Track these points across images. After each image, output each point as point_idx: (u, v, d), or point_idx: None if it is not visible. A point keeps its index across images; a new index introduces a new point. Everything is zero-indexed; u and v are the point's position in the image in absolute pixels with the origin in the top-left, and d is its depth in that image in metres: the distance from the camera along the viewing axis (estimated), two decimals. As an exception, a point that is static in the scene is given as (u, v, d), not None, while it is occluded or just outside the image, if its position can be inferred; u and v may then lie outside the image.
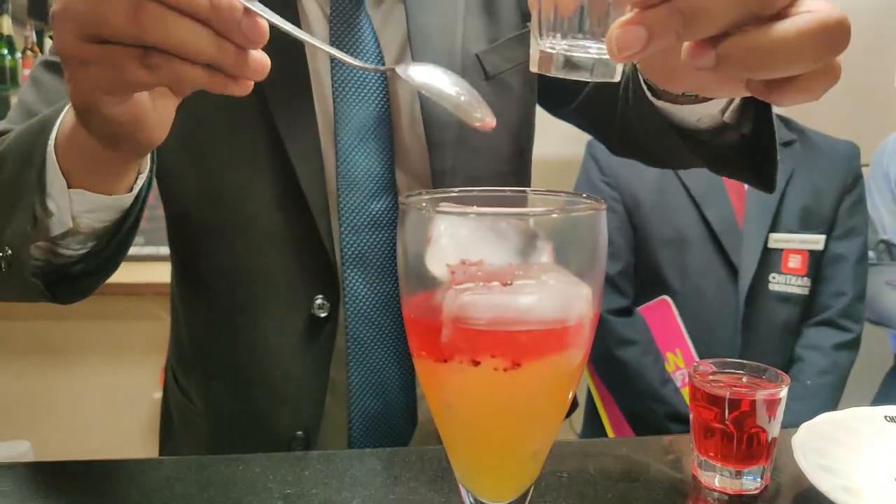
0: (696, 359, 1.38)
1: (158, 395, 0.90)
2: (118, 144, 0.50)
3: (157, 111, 0.47)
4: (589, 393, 1.55)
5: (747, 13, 0.33)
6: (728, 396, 0.52)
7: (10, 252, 0.55)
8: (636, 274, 1.47)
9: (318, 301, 0.72)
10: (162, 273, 0.82)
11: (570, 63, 0.39)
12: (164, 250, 0.82)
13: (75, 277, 0.62)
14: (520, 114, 0.79)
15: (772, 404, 0.52)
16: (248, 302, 0.73)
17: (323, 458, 0.58)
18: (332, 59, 0.71)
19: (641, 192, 1.46)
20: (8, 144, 0.58)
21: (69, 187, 0.53)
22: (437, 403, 0.39)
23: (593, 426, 1.53)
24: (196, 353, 0.79)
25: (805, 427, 0.56)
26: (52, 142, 0.52)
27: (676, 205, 1.44)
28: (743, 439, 0.52)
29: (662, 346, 1.42)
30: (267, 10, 0.40)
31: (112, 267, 0.63)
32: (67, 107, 0.53)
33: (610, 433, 1.47)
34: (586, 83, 0.79)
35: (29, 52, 2.53)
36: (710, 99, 0.55)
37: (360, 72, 0.71)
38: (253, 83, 0.43)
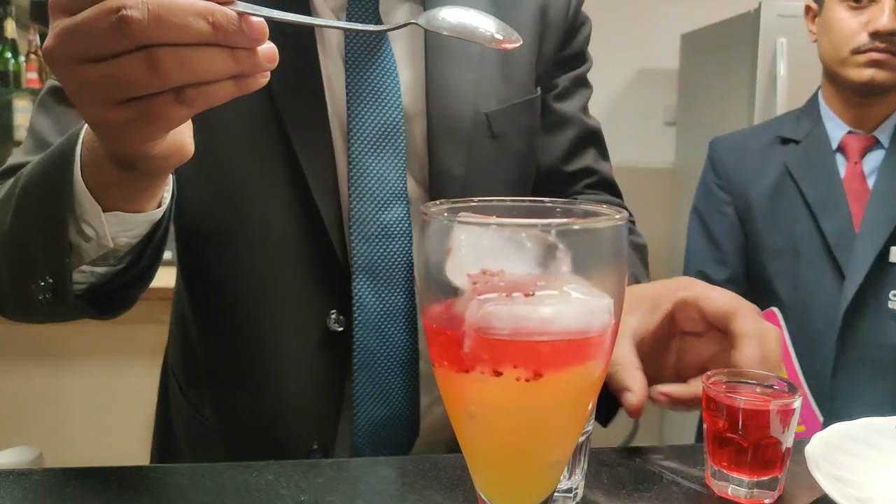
0: (800, 375, 1.30)
1: (159, 398, 0.91)
2: (165, 172, 0.52)
3: (187, 124, 0.49)
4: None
5: None
6: (742, 406, 0.52)
7: (51, 281, 0.56)
8: (747, 282, 1.38)
9: (334, 315, 0.72)
10: (166, 277, 0.82)
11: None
12: (169, 255, 0.81)
13: (117, 291, 0.62)
14: (519, 173, 0.80)
15: (786, 415, 0.52)
16: (263, 315, 0.73)
17: (336, 465, 0.59)
18: (347, 64, 0.70)
19: (755, 197, 1.37)
20: (27, 180, 0.58)
21: (103, 212, 0.54)
22: (458, 413, 0.39)
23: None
24: (210, 369, 0.79)
25: (818, 437, 0.56)
26: (77, 172, 0.52)
27: (791, 212, 1.33)
28: (756, 449, 0.52)
29: None
30: (254, 6, 0.41)
31: (150, 275, 0.64)
32: (82, 134, 0.53)
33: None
34: None
35: (32, 56, 2.53)
36: None
37: (374, 79, 0.70)
38: (269, 73, 0.44)
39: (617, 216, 0.37)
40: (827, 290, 1.28)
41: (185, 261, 0.80)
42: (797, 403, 0.52)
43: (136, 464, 0.59)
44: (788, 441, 0.53)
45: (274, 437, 0.75)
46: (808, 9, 1.40)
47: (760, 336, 0.57)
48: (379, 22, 0.72)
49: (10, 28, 2.53)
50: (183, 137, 0.49)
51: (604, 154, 0.89)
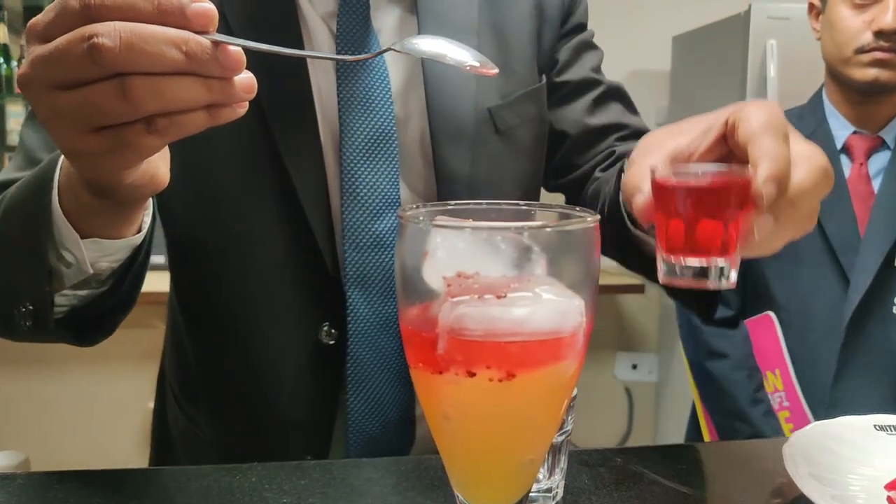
0: (795, 381, 1.27)
1: (152, 404, 0.90)
2: (141, 201, 0.52)
3: (163, 154, 0.49)
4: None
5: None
6: (691, 184, 0.46)
7: (32, 308, 0.56)
8: (743, 284, 1.34)
9: (325, 328, 0.71)
10: (156, 282, 0.82)
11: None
12: (159, 259, 0.81)
13: (99, 318, 0.63)
14: (528, 167, 0.79)
15: (736, 192, 0.46)
16: (254, 328, 0.73)
17: (320, 467, 0.59)
18: (338, 72, 0.70)
19: None
20: (8, 205, 0.58)
21: (82, 238, 0.54)
22: (434, 414, 0.39)
23: (696, 434, 1.46)
24: (204, 380, 0.79)
25: (796, 436, 0.57)
26: (55, 199, 0.53)
27: None
28: (704, 231, 0.46)
29: (763, 365, 1.32)
30: (230, 37, 0.41)
31: (131, 301, 0.64)
32: (60, 160, 0.53)
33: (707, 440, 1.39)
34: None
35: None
36: None
37: (366, 87, 0.70)
38: (247, 103, 0.44)
39: (588, 218, 0.38)
40: (829, 294, 1.26)
41: (176, 273, 0.79)
42: (747, 179, 0.46)
43: (124, 467, 0.59)
44: (742, 225, 0.47)
45: (268, 449, 0.74)
46: (811, 6, 1.36)
47: (775, 158, 0.45)
48: (369, 27, 0.71)
49: (2, 33, 2.53)
50: (157, 167, 0.49)
51: (632, 109, 0.86)
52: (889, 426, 0.60)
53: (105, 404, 2.22)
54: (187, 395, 0.82)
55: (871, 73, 1.23)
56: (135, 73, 0.38)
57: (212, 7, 0.40)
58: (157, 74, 0.39)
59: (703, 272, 0.48)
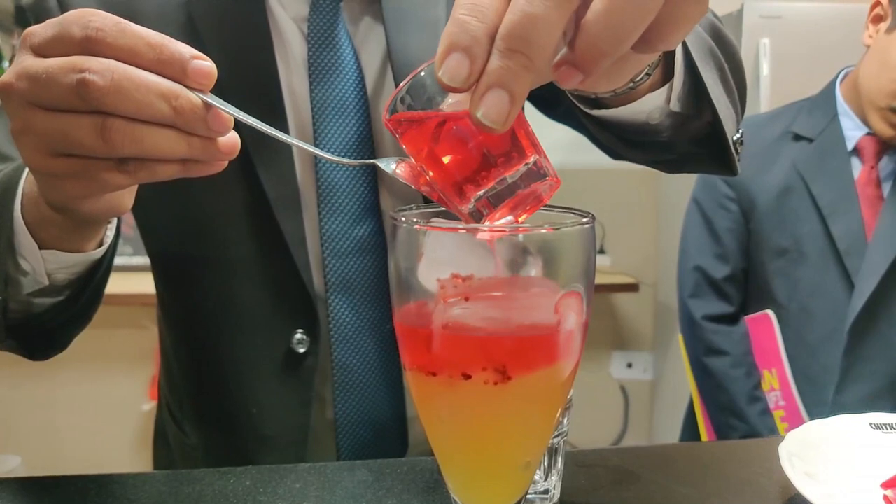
0: (791, 381, 1.26)
1: (146, 406, 0.90)
2: (97, 224, 0.52)
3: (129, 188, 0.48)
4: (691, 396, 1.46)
5: (572, 7, 0.30)
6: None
7: None
8: (745, 280, 1.34)
9: (298, 336, 0.71)
10: (149, 283, 0.81)
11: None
12: (145, 259, 0.81)
13: (53, 331, 0.62)
14: None
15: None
16: (225, 337, 0.72)
17: (314, 470, 0.59)
18: (311, 76, 0.69)
19: (760, 193, 1.31)
20: None
21: (41, 248, 0.53)
22: (429, 416, 0.39)
23: (692, 430, 1.45)
24: (185, 388, 0.78)
25: (792, 435, 0.57)
26: (17, 207, 0.52)
27: (798, 212, 1.27)
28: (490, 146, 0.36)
29: (761, 363, 1.31)
30: (222, 101, 0.40)
31: (88, 316, 0.63)
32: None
33: (704, 438, 1.38)
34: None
35: (15, 61, 2.51)
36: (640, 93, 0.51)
37: (340, 90, 0.69)
38: (226, 161, 0.43)
39: (584, 220, 0.37)
40: (832, 297, 1.24)
41: (157, 279, 0.79)
42: None
43: (119, 471, 0.59)
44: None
45: (244, 460, 0.74)
46: (878, 17, 1.25)
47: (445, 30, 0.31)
48: (340, 31, 0.70)
49: (-7, 33, 2.51)
50: (120, 198, 0.48)
51: None
52: (885, 424, 0.60)
53: (99, 406, 2.21)
54: (174, 399, 0.81)
55: (892, 133, 1.21)
56: (117, 115, 0.38)
57: (212, 66, 0.39)
58: (140, 121, 0.38)
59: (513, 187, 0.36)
